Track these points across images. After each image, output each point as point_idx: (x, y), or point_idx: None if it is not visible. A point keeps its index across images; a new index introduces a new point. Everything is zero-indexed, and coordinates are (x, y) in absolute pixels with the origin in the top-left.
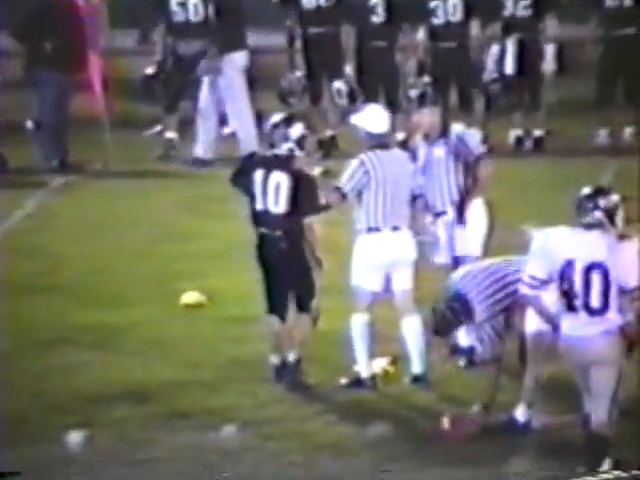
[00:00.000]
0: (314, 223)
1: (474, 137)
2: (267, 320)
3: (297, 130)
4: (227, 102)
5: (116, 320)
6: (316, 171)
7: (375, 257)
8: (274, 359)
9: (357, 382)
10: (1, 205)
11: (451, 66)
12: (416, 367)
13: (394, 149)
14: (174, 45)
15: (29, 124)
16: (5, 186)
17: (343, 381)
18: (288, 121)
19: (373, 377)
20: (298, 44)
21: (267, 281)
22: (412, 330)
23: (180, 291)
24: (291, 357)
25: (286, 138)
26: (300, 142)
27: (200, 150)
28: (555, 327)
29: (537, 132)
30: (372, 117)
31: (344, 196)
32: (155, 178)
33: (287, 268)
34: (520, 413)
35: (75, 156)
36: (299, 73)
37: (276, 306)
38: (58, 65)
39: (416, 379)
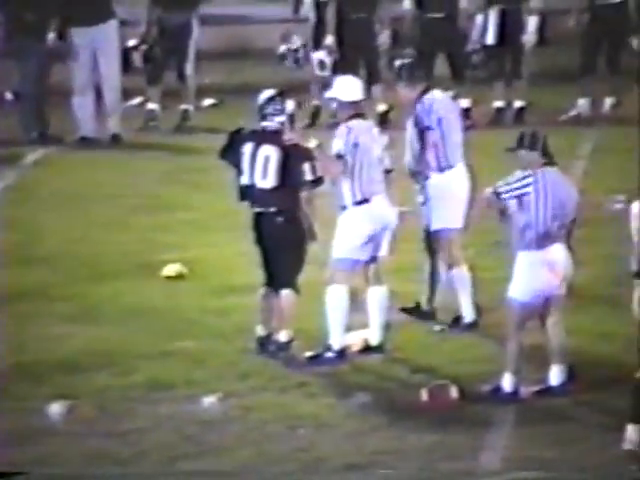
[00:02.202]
0: (314, 197)
1: (442, 102)
2: (262, 291)
3: (290, 105)
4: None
5: (97, 291)
6: (312, 144)
7: (368, 227)
8: (260, 331)
9: (325, 353)
10: None
11: (439, 37)
12: (374, 338)
13: (368, 120)
14: (159, 16)
15: (8, 95)
16: None
17: (308, 354)
18: (282, 95)
19: (344, 350)
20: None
21: (265, 256)
22: (378, 300)
23: (161, 262)
24: (283, 337)
25: (281, 111)
26: (292, 117)
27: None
28: None
29: (518, 103)
30: (344, 87)
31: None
32: (136, 149)
33: (283, 244)
34: (507, 382)
35: (55, 127)
36: (300, 41)
37: (273, 279)
38: (39, 35)
39: (372, 349)
